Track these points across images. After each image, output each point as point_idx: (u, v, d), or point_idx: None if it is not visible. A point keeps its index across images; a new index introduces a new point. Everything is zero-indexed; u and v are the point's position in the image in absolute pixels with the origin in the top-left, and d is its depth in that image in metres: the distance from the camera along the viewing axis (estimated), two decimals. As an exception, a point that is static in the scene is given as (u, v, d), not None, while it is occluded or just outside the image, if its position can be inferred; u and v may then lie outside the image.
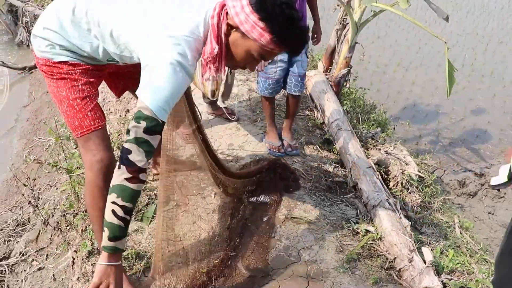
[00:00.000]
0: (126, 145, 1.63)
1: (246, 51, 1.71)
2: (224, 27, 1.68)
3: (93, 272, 2.25)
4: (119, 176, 1.64)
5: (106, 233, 1.68)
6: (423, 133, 5.72)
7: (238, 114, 3.76)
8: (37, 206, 2.80)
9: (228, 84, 2.70)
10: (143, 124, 1.61)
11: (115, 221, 1.65)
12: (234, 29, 1.68)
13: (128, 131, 1.64)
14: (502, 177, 1.28)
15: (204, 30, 1.70)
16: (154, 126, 1.63)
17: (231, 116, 3.67)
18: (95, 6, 1.79)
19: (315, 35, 3.30)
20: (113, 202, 1.64)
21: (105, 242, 1.69)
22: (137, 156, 1.62)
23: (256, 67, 2.19)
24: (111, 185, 1.67)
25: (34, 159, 3.28)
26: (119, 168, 1.64)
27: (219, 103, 3.51)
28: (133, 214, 1.71)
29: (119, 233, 1.68)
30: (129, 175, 1.62)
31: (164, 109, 1.63)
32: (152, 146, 1.65)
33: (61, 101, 1.88)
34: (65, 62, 1.85)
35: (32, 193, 2.82)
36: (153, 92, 1.61)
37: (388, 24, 9.17)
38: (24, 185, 2.97)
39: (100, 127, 1.90)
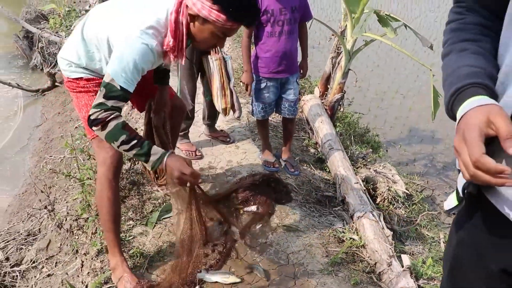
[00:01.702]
0: (88, 113, 1.91)
1: (211, 33, 1.98)
2: (184, 20, 1.98)
3: (101, 268, 2.52)
4: (99, 132, 1.92)
5: (143, 160, 1.97)
6: (418, 157, 5.96)
7: (237, 135, 4.06)
8: (52, 210, 3.05)
9: (236, 100, 3.20)
10: (103, 90, 1.90)
11: (132, 151, 1.92)
12: (195, 18, 1.96)
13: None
14: (452, 201, 1.25)
15: (165, 22, 2.00)
16: (114, 92, 1.90)
17: (226, 139, 3.97)
18: (93, 23, 2.15)
19: (301, 70, 3.43)
20: (118, 147, 1.93)
21: (148, 166, 1.98)
22: (96, 114, 1.88)
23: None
24: (104, 139, 1.94)
25: (50, 169, 3.55)
26: (91, 129, 1.94)
27: (235, 115, 3.70)
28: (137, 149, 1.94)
29: (144, 154, 1.94)
30: (99, 127, 1.90)
31: (123, 76, 1.89)
32: (107, 105, 1.90)
33: (81, 109, 2.26)
34: (81, 78, 2.23)
35: (48, 199, 3.08)
36: (113, 62, 1.91)
37: (387, 53, 9.49)
38: (42, 191, 3.23)
39: None
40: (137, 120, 4.57)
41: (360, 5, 3.95)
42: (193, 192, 2.19)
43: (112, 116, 1.91)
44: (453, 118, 1.06)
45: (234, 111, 3.37)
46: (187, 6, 1.95)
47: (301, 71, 3.43)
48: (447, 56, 1.17)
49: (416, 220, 3.52)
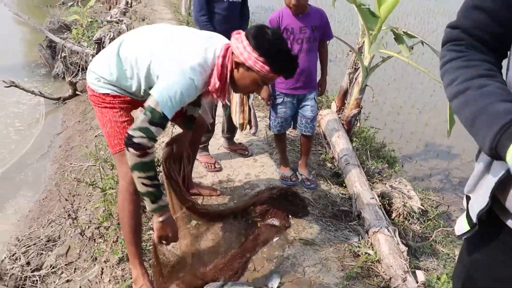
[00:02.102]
0: (130, 132, 1.98)
1: (252, 80, 2.18)
2: (229, 66, 2.15)
3: (122, 276, 2.60)
4: (131, 157, 2.00)
5: (147, 201, 2.08)
6: (434, 172, 5.98)
7: (255, 148, 4.14)
8: (75, 218, 3.15)
9: (253, 117, 3.32)
10: (149, 115, 1.98)
11: (148, 189, 2.04)
12: (240, 65, 2.13)
13: (135, 121, 2.02)
14: (463, 226, 1.24)
15: (211, 62, 2.15)
16: (158, 118, 1.99)
17: (244, 152, 4.06)
18: (135, 45, 2.24)
19: (320, 87, 3.50)
20: (139, 177, 2.02)
21: (150, 207, 2.11)
22: (140, 139, 1.96)
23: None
24: (130, 165, 2.02)
25: (74, 177, 3.66)
26: (128, 150, 1.99)
27: (251, 131, 3.79)
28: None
29: (156, 195, 2.07)
30: (137, 153, 1.98)
31: (169, 105, 1.99)
32: (153, 134, 1.99)
33: (105, 124, 2.32)
34: (107, 94, 2.30)
35: (72, 207, 3.18)
36: (161, 89, 2.01)
37: (404, 68, 9.54)
38: (66, 199, 3.33)
39: None
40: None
41: (377, 23, 4.02)
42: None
43: (152, 148, 2.03)
44: (497, 156, 0.99)
45: (250, 127, 3.46)
46: (233, 52, 2.13)
47: (320, 89, 3.50)
48: (463, 93, 1.11)
49: (431, 236, 3.55)
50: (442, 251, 3.66)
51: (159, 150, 3.40)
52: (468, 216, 1.22)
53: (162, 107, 1.98)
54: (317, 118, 3.58)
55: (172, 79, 2.02)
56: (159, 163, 2.91)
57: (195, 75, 2.05)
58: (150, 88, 2.14)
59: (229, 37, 3.56)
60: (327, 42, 3.42)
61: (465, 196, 1.32)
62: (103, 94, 2.30)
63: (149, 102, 2.00)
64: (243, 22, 3.78)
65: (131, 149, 1.98)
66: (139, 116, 2.00)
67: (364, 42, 4.45)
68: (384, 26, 4.14)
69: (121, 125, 2.29)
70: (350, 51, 4.59)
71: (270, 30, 2.12)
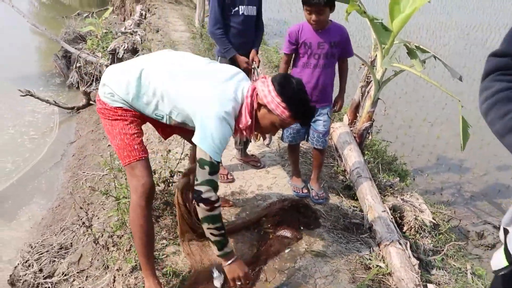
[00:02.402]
0: (197, 187, 2.21)
1: (271, 123, 2.34)
2: (255, 105, 2.30)
3: (135, 285, 2.63)
4: (202, 211, 2.24)
5: (215, 248, 2.36)
6: (445, 186, 5.96)
7: (267, 160, 4.17)
8: (90, 226, 3.19)
9: None
10: (207, 168, 2.18)
11: (216, 238, 2.31)
12: (262, 106, 2.30)
13: (196, 175, 2.22)
14: (502, 261, 1.16)
15: (240, 100, 2.29)
16: (214, 167, 2.20)
17: (257, 164, 4.10)
18: (160, 74, 2.31)
19: (337, 103, 3.52)
20: (208, 228, 2.28)
21: (217, 252, 2.38)
22: (208, 193, 2.20)
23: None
24: (200, 217, 2.28)
25: (89, 186, 3.71)
26: (198, 205, 2.23)
27: (264, 143, 3.84)
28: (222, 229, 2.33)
29: (222, 243, 2.35)
30: (207, 207, 2.21)
31: (218, 153, 2.19)
32: (216, 182, 2.23)
33: (114, 137, 2.36)
34: (120, 108, 2.34)
35: (86, 216, 3.22)
36: (208, 142, 2.16)
37: (416, 81, 9.53)
38: (81, 208, 3.38)
39: (144, 158, 2.36)
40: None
41: (390, 37, 4.05)
42: None
43: (219, 202, 2.26)
44: None
45: (264, 138, 3.48)
46: (257, 94, 2.28)
47: (336, 105, 3.51)
48: None
49: (443, 250, 3.54)
50: (454, 265, 3.65)
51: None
52: (507, 251, 1.15)
53: (213, 156, 2.17)
54: (329, 132, 3.58)
55: (213, 129, 2.15)
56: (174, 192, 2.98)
57: (231, 119, 2.21)
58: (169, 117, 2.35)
59: (244, 50, 3.66)
60: (347, 59, 3.43)
61: (502, 229, 1.24)
62: (115, 107, 2.34)
63: (201, 155, 2.18)
64: (258, 34, 3.84)
65: (201, 204, 2.21)
66: (198, 172, 2.20)
67: (376, 55, 4.48)
68: (397, 40, 4.17)
69: (130, 137, 2.34)
70: (363, 64, 4.62)
71: (295, 80, 2.29)
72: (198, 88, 2.24)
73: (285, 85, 2.25)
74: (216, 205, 2.24)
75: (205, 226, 2.29)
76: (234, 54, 3.62)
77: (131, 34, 9.29)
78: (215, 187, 2.23)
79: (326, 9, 3.08)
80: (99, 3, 16.23)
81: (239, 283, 2.45)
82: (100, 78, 8.35)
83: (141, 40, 8.73)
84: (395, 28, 4.02)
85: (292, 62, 3.42)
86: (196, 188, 2.22)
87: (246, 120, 2.30)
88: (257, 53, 3.80)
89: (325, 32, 3.22)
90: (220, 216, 2.29)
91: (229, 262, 2.41)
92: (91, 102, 8.10)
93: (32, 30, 12.90)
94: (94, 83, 8.42)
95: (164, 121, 2.40)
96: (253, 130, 2.40)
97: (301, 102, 2.28)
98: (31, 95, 7.55)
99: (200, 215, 2.27)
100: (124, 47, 8.48)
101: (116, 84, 2.32)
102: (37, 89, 8.27)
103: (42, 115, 7.91)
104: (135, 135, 2.36)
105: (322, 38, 3.21)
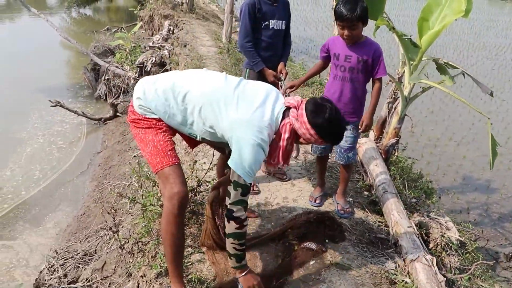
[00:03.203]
0: (230, 206, 2.32)
1: (306, 140, 2.43)
2: (289, 147, 2.44)
3: (160, 290, 2.65)
4: (231, 227, 2.35)
5: (233, 260, 2.47)
6: (471, 206, 5.86)
7: (293, 173, 4.18)
8: (117, 232, 3.23)
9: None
10: (240, 190, 2.29)
11: (237, 252, 2.43)
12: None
13: (228, 195, 2.34)
14: None
15: (274, 123, 2.37)
16: (246, 189, 2.32)
17: (282, 176, 4.10)
18: (194, 98, 2.38)
19: (361, 122, 3.38)
20: (232, 243, 2.39)
21: (233, 264, 2.50)
22: (239, 212, 2.33)
23: None
24: (226, 232, 2.39)
25: (117, 192, 3.77)
26: (228, 222, 2.34)
27: (293, 155, 3.83)
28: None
29: (241, 257, 2.47)
30: (237, 225, 2.34)
31: (251, 176, 2.30)
32: (246, 202, 2.36)
33: (147, 144, 2.40)
34: (154, 118, 2.42)
35: (114, 221, 3.26)
36: (242, 167, 2.26)
37: (442, 100, 9.46)
38: (108, 213, 3.43)
39: (176, 163, 2.39)
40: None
41: (418, 53, 4.05)
42: None
43: (247, 221, 2.41)
44: None
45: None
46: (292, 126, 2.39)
47: (362, 123, 3.37)
48: None
49: (470, 269, 3.47)
50: (481, 285, 3.57)
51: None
52: None
53: (246, 179, 2.28)
54: (355, 149, 3.56)
55: (248, 154, 2.25)
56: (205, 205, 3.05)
57: (265, 145, 2.31)
58: (201, 137, 2.47)
59: (271, 63, 3.70)
60: (381, 78, 3.34)
61: None
62: (150, 118, 2.41)
63: (234, 178, 2.29)
64: (286, 48, 3.90)
65: (232, 222, 2.33)
66: (231, 192, 2.31)
67: (404, 72, 4.47)
68: (425, 57, 4.16)
69: (164, 143, 2.38)
70: (390, 80, 4.62)
71: (328, 106, 2.35)
72: (236, 112, 2.31)
73: (318, 113, 2.33)
74: (245, 223, 2.36)
75: (229, 240, 2.39)
76: (262, 67, 3.68)
77: (159, 48, 9.45)
78: (245, 207, 2.35)
79: (358, 24, 3.10)
80: (128, 19, 16.60)
81: None
82: (127, 90, 8.55)
83: (169, 54, 8.88)
84: (423, 45, 4.02)
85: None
86: (229, 207, 2.33)
87: (278, 161, 2.44)
88: (285, 65, 3.84)
89: (356, 47, 3.23)
90: (245, 234, 2.41)
91: (244, 273, 2.52)
92: (118, 114, 8.24)
93: (62, 44, 13.31)
94: (121, 95, 8.58)
95: (197, 139, 2.50)
96: (287, 160, 2.53)
97: (332, 128, 2.37)
98: (61, 106, 7.74)
99: (228, 231, 2.37)
100: (152, 60, 8.64)
101: (152, 102, 2.38)
102: (66, 101, 8.48)
103: (70, 126, 8.08)
104: (168, 142, 2.41)
105: (351, 52, 3.23)
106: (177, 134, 2.61)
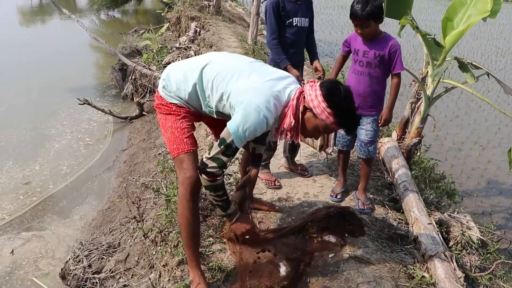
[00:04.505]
0: (205, 160, 2.28)
1: (315, 126, 2.37)
2: (301, 108, 2.35)
3: (181, 277, 2.73)
4: (204, 180, 2.32)
5: (219, 210, 2.50)
6: (495, 209, 5.79)
7: (315, 170, 4.22)
8: (141, 221, 3.33)
9: (333, 137, 3.44)
10: (223, 148, 2.25)
11: (218, 203, 2.43)
12: (308, 110, 2.34)
13: (209, 149, 2.29)
14: None
15: (285, 101, 2.36)
16: (230, 151, 2.27)
17: (304, 172, 4.15)
18: (213, 70, 2.42)
19: (381, 117, 3.49)
20: (210, 195, 2.39)
21: (221, 213, 2.52)
22: (213, 169, 2.27)
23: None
24: (203, 185, 2.35)
25: (142, 183, 3.87)
26: (200, 175, 2.32)
27: (327, 151, 3.85)
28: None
29: (224, 207, 2.46)
30: (208, 179, 2.29)
31: (241, 141, 2.26)
32: (224, 163, 2.29)
33: (166, 129, 2.51)
34: (174, 104, 2.51)
35: (138, 211, 3.36)
36: (237, 126, 2.22)
37: (468, 104, 9.36)
38: (133, 203, 3.53)
39: (191, 151, 2.48)
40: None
41: (442, 53, 4.05)
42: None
43: (222, 175, 2.35)
44: None
45: (328, 147, 3.54)
46: (304, 97, 2.33)
47: (381, 118, 3.48)
48: None
49: (491, 268, 3.45)
50: (503, 286, 3.55)
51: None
52: None
53: (235, 140, 2.24)
54: (375, 143, 3.60)
55: (247, 115, 2.21)
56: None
57: (269, 113, 2.25)
58: (216, 111, 2.46)
59: (293, 60, 3.77)
60: (399, 73, 3.39)
61: None
62: (170, 103, 2.51)
63: (224, 135, 2.26)
64: (313, 45, 4.01)
65: (203, 175, 2.30)
66: (214, 147, 2.28)
67: (427, 72, 4.47)
68: (449, 57, 4.16)
69: (181, 131, 2.48)
70: (413, 80, 4.62)
71: (343, 88, 2.31)
72: (247, 79, 2.34)
73: (333, 92, 2.28)
74: (218, 178, 2.31)
75: (207, 192, 2.39)
76: (287, 64, 3.74)
77: (185, 49, 9.61)
78: (221, 166, 2.28)
79: (370, 22, 3.22)
80: (155, 21, 16.84)
81: (247, 237, 2.61)
82: (153, 90, 8.69)
83: (195, 55, 9.01)
84: (447, 44, 4.02)
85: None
86: (204, 160, 2.29)
87: (290, 120, 2.35)
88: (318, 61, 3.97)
89: (373, 43, 3.34)
90: (221, 186, 2.36)
91: (234, 220, 2.55)
92: (143, 113, 8.39)
93: (91, 46, 13.63)
94: (147, 95, 8.74)
95: (214, 115, 2.52)
96: (299, 132, 2.44)
97: (346, 110, 2.31)
98: (89, 104, 7.92)
99: (203, 184, 2.35)
100: (178, 61, 8.76)
101: (174, 83, 2.48)
102: (94, 99, 8.68)
103: (97, 123, 8.27)
104: (186, 129, 2.50)
105: (368, 47, 3.34)
106: (202, 125, 2.70)
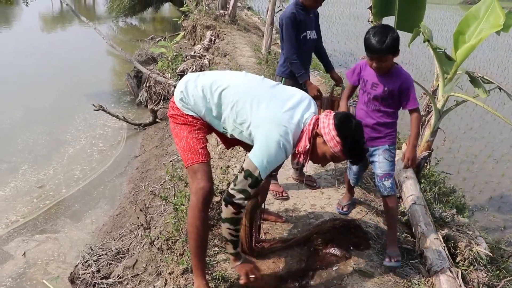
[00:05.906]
0: (231, 191, 2.38)
1: (323, 153, 2.45)
2: (314, 133, 2.42)
3: (185, 286, 2.76)
4: (227, 212, 2.42)
5: (230, 246, 2.58)
6: (508, 224, 5.72)
7: (323, 181, 4.23)
8: (148, 228, 3.36)
9: None
10: (249, 180, 2.35)
11: (233, 238, 2.52)
12: (319, 136, 2.41)
13: (234, 180, 2.38)
14: None
15: (300, 128, 2.44)
16: (256, 183, 2.36)
17: (312, 184, 4.16)
18: (231, 95, 2.49)
19: (404, 155, 3.23)
20: (228, 228, 2.47)
21: (230, 251, 2.61)
22: (240, 200, 2.37)
23: None
24: (223, 217, 2.46)
25: (150, 191, 3.92)
26: (226, 206, 2.41)
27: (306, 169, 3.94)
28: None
29: (236, 244, 2.57)
30: (234, 211, 2.40)
31: (266, 172, 2.36)
32: (250, 194, 2.38)
33: (181, 139, 2.55)
34: (191, 116, 2.55)
35: (145, 218, 3.40)
36: (262, 160, 2.33)
37: (482, 116, 9.28)
38: (141, 210, 3.57)
39: (205, 161, 2.52)
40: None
41: (453, 67, 4.05)
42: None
43: (245, 208, 2.46)
44: None
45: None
46: (318, 124, 2.43)
47: (403, 158, 3.24)
48: None
49: (499, 285, 3.42)
50: (510, 303, 3.51)
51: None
52: None
53: (261, 173, 2.34)
54: (391, 178, 3.23)
55: (270, 148, 2.32)
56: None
57: (288, 145, 2.36)
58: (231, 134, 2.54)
59: (307, 70, 3.78)
60: (416, 108, 3.12)
61: None
62: (187, 114, 2.55)
63: (249, 167, 2.35)
64: (325, 55, 4.04)
65: (229, 206, 2.40)
66: (239, 179, 2.37)
67: (438, 85, 4.46)
68: (460, 71, 4.15)
69: (196, 141, 2.53)
70: (424, 93, 4.62)
71: (355, 121, 2.41)
72: (266, 109, 2.41)
73: (345, 123, 2.36)
74: (242, 210, 2.43)
75: (225, 225, 2.46)
76: (306, 79, 3.77)
77: (200, 57, 9.69)
78: (247, 197, 2.39)
79: (388, 57, 2.94)
80: (172, 28, 17.02)
81: (252, 276, 2.62)
82: (167, 97, 8.77)
83: (209, 64, 9.09)
84: (458, 58, 4.01)
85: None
86: (231, 192, 2.39)
87: (305, 144, 2.42)
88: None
89: (385, 76, 3.08)
90: (240, 220, 2.50)
91: (240, 261, 2.64)
92: (157, 120, 8.47)
93: (108, 53, 13.84)
94: (161, 102, 8.83)
95: (228, 135, 2.60)
96: (308, 156, 2.49)
97: (354, 141, 2.37)
98: (103, 110, 8.04)
99: (225, 215, 2.44)
100: (192, 69, 8.86)
101: (192, 97, 2.53)
102: (109, 105, 8.78)
103: (111, 129, 8.38)
104: (201, 140, 2.55)
105: (379, 80, 3.09)
106: (213, 134, 2.75)
